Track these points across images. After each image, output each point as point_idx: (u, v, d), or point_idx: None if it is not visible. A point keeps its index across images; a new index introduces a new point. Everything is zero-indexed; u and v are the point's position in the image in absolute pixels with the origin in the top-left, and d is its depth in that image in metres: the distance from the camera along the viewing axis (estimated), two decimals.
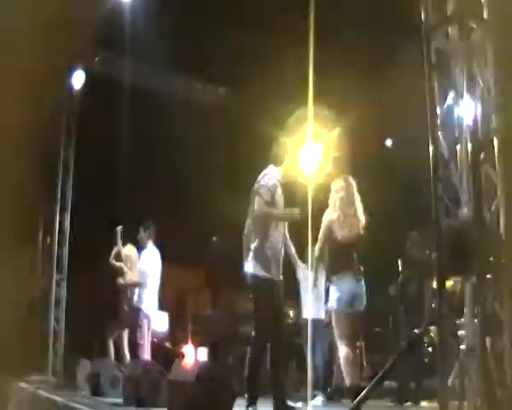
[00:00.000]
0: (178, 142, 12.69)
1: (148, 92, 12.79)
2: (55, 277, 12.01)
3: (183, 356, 9.96)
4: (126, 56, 12.05)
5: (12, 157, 12.28)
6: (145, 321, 9.64)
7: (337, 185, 7.53)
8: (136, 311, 9.68)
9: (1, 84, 10.26)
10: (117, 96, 12.13)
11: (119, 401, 7.42)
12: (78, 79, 11.99)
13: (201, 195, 13.62)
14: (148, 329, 9.65)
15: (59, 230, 12.22)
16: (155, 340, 14.78)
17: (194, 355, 9.91)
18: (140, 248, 10.03)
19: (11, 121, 11.53)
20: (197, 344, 12.57)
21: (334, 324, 7.37)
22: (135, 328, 9.58)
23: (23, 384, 9.37)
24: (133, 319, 9.66)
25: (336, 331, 7.30)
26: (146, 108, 12.49)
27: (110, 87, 12.25)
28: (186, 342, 11.35)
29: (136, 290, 9.82)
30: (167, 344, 13.97)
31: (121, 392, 7.55)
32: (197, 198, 13.77)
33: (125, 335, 9.72)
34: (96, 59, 12.45)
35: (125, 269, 9.86)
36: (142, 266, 9.87)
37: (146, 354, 9.22)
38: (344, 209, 7.34)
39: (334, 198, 7.46)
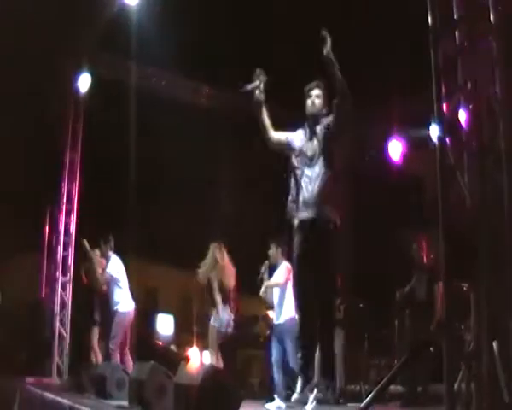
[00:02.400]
0: (184, 144, 12.69)
1: (153, 95, 12.81)
2: (60, 279, 12.02)
3: (188, 359, 9.95)
4: (133, 59, 12.06)
5: (17, 160, 12.32)
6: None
7: None
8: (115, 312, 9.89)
9: (6, 87, 10.30)
10: (123, 98, 12.14)
11: (125, 403, 7.42)
12: (84, 82, 12.01)
13: (208, 197, 13.63)
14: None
15: (64, 232, 12.23)
16: (160, 343, 14.85)
17: (199, 358, 9.91)
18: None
19: (17, 125, 11.57)
20: (202, 347, 12.58)
21: None
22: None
23: (29, 386, 9.38)
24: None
25: None
26: (151, 112, 12.49)
27: (116, 90, 12.26)
28: (191, 345, 11.35)
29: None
30: (172, 347, 13.99)
31: (127, 394, 7.55)
32: (203, 200, 13.77)
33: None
34: (102, 62, 12.45)
35: None
36: (116, 271, 10.03)
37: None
38: None
39: None
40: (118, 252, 10.18)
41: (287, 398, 8.39)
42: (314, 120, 6.08)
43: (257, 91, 6.04)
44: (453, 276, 4.92)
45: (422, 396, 8.55)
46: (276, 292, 8.87)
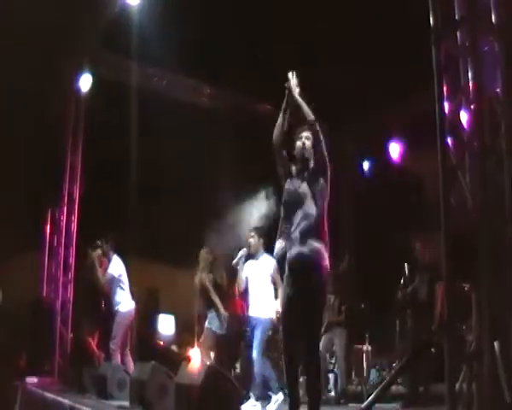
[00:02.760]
0: (185, 144, 12.67)
1: (154, 95, 12.80)
2: (61, 279, 12.02)
3: (189, 359, 9.95)
4: (134, 59, 12.06)
5: (19, 160, 12.31)
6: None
7: None
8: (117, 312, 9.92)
9: (7, 87, 10.30)
10: (124, 99, 12.14)
11: (126, 403, 7.43)
12: (85, 82, 12.01)
13: (209, 198, 13.61)
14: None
15: (65, 231, 12.23)
16: (161, 343, 14.83)
17: (200, 358, 9.89)
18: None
19: (19, 124, 11.57)
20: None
21: None
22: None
23: (30, 386, 9.39)
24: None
25: None
26: (153, 112, 12.48)
27: (117, 90, 12.25)
28: (192, 346, 11.31)
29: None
30: (173, 347, 13.97)
31: (128, 395, 7.56)
32: (205, 201, 13.76)
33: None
34: (103, 62, 12.45)
35: None
36: (118, 271, 10.04)
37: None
38: None
39: None
40: (119, 252, 10.19)
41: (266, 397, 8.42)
42: (303, 161, 6.09)
43: (293, 92, 6.06)
44: (454, 276, 4.92)
45: (424, 396, 8.54)
46: (262, 285, 8.64)
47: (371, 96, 11.54)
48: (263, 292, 8.61)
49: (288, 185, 6.09)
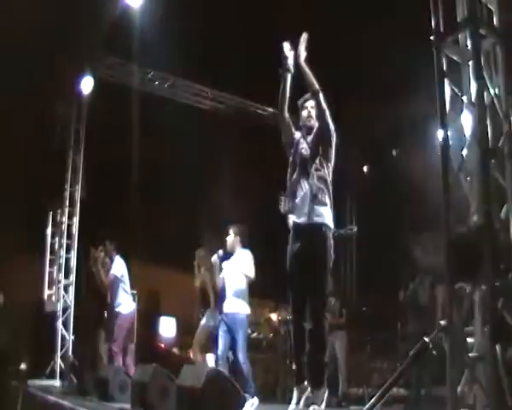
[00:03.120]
0: (187, 147, 12.68)
1: (157, 99, 12.83)
2: (63, 282, 12.02)
3: (190, 362, 9.94)
4: (135, 62, 12.08)
5: (20, 161, 12.32)
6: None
7: None
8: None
9: (9, 89, 10.31)
10: (125, 101, 12.15)
11: (127, 406, 7.41)
12: (86, 85, 12.03)
13: (211, 200, 13.62)
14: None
15: (67, 234, 12.24)
16: (163, 345, 14.86)
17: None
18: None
19: (20, 127, 11.58)
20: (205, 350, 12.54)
21: None
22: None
23: (31, 389, 9.38)
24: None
25: None
26: (155, 115, 12.50)
27: (119, 92, 12.27)
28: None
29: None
30: (175, 350, 13.99)
31: (129, 397, 7.55)
32: (206, 204, 13.77)
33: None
34: (105, 65, 12.47)
35: None
36: (120, 272, 10.02)
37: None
38: None
39: None
40: (121, 253, 10.19)
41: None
42: (308, 129, 6.13)
43: (289, 60, 6.04)
44: (456, 278, 4.92)
45: (425, 399, 8.54)
46: (236, 280, 8.39)
47: (371, 98, 11.55)
48: (238, 288, 8.36)
49: (294, 150, 6.13)
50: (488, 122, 4.94)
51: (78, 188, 12.36)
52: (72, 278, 12.10)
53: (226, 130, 13.59)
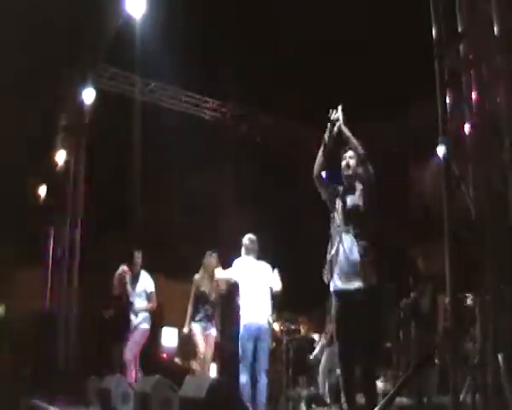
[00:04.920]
0: (188, 157, 12.71)
1: (157, 109, 12.85)
2: (65, 292, 12.00)
3: (193, 372, 9.92)
4: (136, 73, 12.12)
5: (23, 172, 12.36)
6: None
7: None
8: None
9: (12, 98, 10.35)
10: (127, 111, 12.18)
11: None
12: (88, 95, 12.04)
13: (212, 211, 13.64)
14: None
15: (69, 244, 12.22)
16: (165, 356, 14.82)
17: (204, 371, 9.84)
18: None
19: (22, 137, 11.62)
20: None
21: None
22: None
23: (34, 399, 9.37)
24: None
25: None
26: (156, 125, 12.52)
27: (120, 103, 12.31)
28: (196, 358, 11.26)
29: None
30: (177, 360, 13.96)
31: (132, 408, 7.54)
32: (207, 214, 13.79)
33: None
34: (107, 75, 12.50)
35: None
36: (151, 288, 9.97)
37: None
38: None
39: None
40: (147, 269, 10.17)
41: None
42: (349, 181, 6.04)
43: (334, 127, 6.03)
44: (458, 288, 4.93)
45: (428, 408, 8.53)
46: (264, 291, 8.25)
47: (374, 108, 11.57)
48: (265, 299, 8.24)
49: (337, 205, 5.95)
50: (490, 132, 4.96)
51: (81, 198, 12.34)
52: (75, 287, 12.07)
53: (228, 140, 13.64)
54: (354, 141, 5.86)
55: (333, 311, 5.86)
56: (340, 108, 5.98)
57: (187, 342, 10.54)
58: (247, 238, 8.46)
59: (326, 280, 5.86)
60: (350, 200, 5.86)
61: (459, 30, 5.18)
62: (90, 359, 10.83)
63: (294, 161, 12.64)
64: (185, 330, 9.35)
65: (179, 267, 9.95)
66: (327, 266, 5.85)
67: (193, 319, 9.33)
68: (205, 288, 9.42)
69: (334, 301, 5.82)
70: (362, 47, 10.44)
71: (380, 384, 10.67)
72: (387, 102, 11.14)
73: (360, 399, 5.99)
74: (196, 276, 9.56)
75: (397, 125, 12.64)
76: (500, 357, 4.57)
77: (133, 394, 7.77)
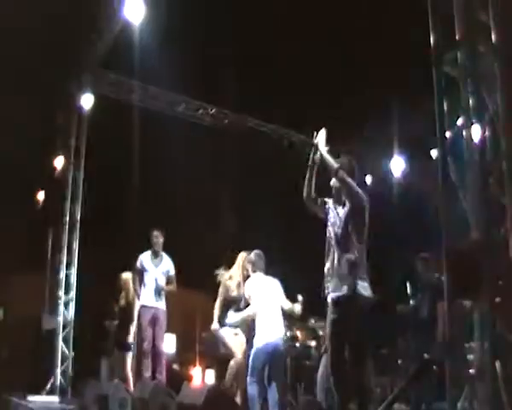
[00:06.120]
0: (187, 164, 12.73)
1: (157, 115, 12.85)
2: (63, 298, 11.98)
3: (191, 378, 9.92)
4: (136, 79, 12.13)
5: (20, 179, 12.36)
6: None
7: None
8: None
9: (11, 105, 10.36)
10: (125, 117, 12.18)
11: None
12: (87, 101, 12.05)
13: (210, 218, 13.66)
14: None
15: (67, 250, 12.21)
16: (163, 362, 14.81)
17: (201, 377, 9.86)
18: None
19: (20, 143, 11.62)
20: (205, 366, 12.50)
21: None
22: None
23: (31, 405, 9.34)
24: None
25: None
26: (155, 131, 12.54)
27: (119, 108, 12.31)
28: (194, 365, 11.31)
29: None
30: (175, 366, 13.95)
31: None
32: (205, 220, 13.80)
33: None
34: (105, 81, 12.50)
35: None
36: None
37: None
38: None
39: None
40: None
41: None
42: (338, 196, 6.15)
43: (316, 153, 6.20)
44: (456, 295, 4.92)
45: None
46: (276, 309, 8.14)
47: (372, 114, 11.59)
48: (278, 316, 8.15)
49: (329, 218, 6.14)
50: (487, 138, 4.96)
51: (79, 204, 12.33)
52: (73, 294, 12.05)
53: (228, 145, 13.65)
54: (328, 160, 6.08)
55: (327, 318, 5.99)
56: (323, 130, 6.21)
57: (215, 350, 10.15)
58: (255, 254, 8.40)
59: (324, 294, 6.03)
60: (338, 213, 6.06)
61: (457, 37, 5.18)
62: (88, 363, 10.81)
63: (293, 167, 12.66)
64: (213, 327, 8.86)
65: (177, 273, 9.92)
66: (324, 279, 6.03)
67: (220, 323, 8.75)
68: (236, 293, 8.85)
69: (328, 308, 5.97)
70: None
71: (377, 391, 10.74)
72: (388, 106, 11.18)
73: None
74: (225, 275, 9.01)
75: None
76: (497, 365, 4.57)
77: (131, 400, 7.77)
